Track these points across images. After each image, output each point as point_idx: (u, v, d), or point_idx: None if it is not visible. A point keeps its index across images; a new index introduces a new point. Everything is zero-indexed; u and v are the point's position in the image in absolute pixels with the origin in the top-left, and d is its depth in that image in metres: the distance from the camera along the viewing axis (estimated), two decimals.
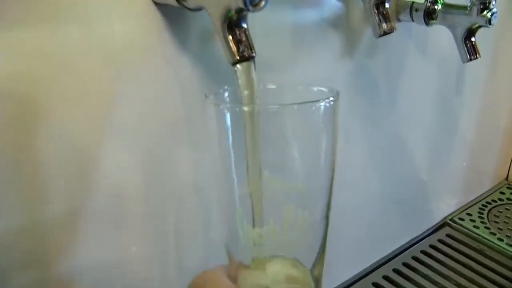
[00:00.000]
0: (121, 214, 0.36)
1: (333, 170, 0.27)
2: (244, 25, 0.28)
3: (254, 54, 0.28)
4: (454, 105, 0.70)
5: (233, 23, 0.28)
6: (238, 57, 0.28)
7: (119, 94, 0.33)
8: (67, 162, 0.31)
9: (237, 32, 0.28)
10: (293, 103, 0.25)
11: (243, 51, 0.28)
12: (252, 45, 0.29)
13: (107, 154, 0.33)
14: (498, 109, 0.82)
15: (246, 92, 0.28)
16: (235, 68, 0.29)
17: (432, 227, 0.77)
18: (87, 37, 0.30)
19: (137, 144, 0.35)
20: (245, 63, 0.28)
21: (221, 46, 0.29)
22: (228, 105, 0.27)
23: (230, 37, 0.28)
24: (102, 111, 0.32)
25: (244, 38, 0.28)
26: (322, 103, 0.25)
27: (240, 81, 0.29)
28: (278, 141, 0.27)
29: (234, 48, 0.28)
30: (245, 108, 0.27)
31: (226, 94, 0.30)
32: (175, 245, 0.40)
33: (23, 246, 0.32)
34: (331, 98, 0.25)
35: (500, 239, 0.73)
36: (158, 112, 0.35)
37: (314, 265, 0.27)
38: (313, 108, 0.25)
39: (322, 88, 0.28)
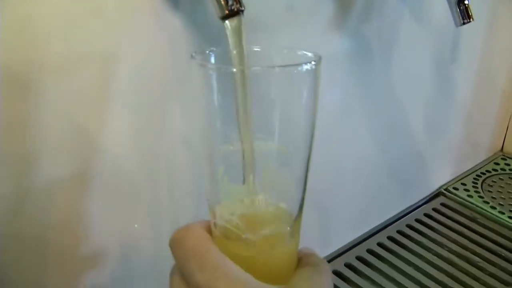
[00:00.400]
0: (114, 174, 0.36)
1: (312, 133, 0.27)
2: None
3: (243, 8, 0.29)
4: (450, 73, 0.70)
5: None
6: (227, 11, 0.28)
7: (111, 53, 0.33)
8: (61, 127, 0.32)
9: None
10: (275, 66, 0.25)
11: (231, 5, 0.28)
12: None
13: (100, 113, 0.33)
14: (494, 80, 0.82)
15: (235, 52, 0.28)
16: (225, 24, 0.29)
17: (427, 196, 0.78)
18: None
19: (128, 103, 0.35)
20: (235, 18, 0.28)
21: (211, 2, 0.29)
22: (213, 66, 0.27)
23: None
24: (93, 71, 0.32)
25: None
26: (304, 67, 0.25)
27: (229, 37, 0.29)
28: (260, 103, 0.27)
29: (222, 2, 0.28)
30: (232, 69, 0.27)
31: (213, 55, 0.29)
32: (169, 204, 0.41)
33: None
34: (313, 62, 0.25)
35: (493, 207, 0.74)
36: (149, 70, 0.35)
37: (292, 223, 0.28)
38: (295, 71, 0.25)
39: (307, 53, 0.28)
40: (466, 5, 0.47)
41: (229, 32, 0.28)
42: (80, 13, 0.31)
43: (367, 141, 0.63)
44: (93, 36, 0.32)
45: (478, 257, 0.64)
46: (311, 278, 0.26)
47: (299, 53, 0.28)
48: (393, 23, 0.56)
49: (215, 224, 0.27)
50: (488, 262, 0.63)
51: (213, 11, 0.30)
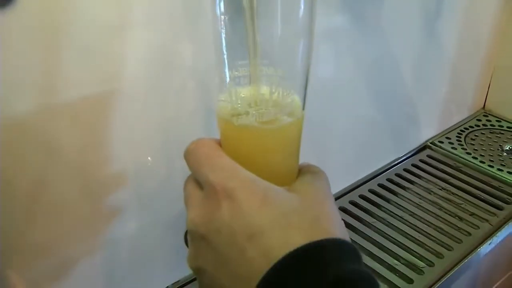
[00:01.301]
0: (128, 101, 0.40)
1: (310, 57, 0.31)
2: None
3: None
4: (435, 32, 0.74)
5: None
6: None
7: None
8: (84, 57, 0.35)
9: None
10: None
11: None
12: None
13: (117, 44, 0.37)
14: (477, 40, 0.86)
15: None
16: None
17: (414, 149, 0.83)
18: None
19: (142, 34, 0.38)
20: None
21: None
22: None
23: None
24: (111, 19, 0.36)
25: None
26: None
27: None
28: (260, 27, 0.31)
29: None
30: None
31: None
32: (176, 130, 0.45)
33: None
34: None
35: (475, 158, 0.80)
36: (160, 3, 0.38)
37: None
38: None
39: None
40: None
41: None
42: None
43: (359, 99, 0.67)
44: None
45: (461, 200, 0.70)
46: (312, 182, 0.30)
47: None
48: None
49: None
50: (469, 204, 0.69)
51: None
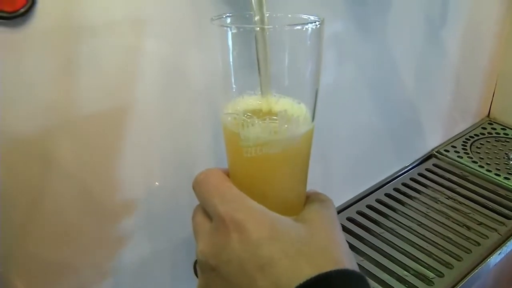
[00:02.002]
0: (139, 130, 0.40)
1: (318, 83, 0.31)
2: None
3: None
4: (439, 40, 0.74)
5: None
6: None
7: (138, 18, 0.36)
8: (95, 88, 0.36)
9: None
10: (285, 25, 0.29)
11: None
12: None
13: (130, 71, 0.37)
14: (481, 48, 0.86)
15: (257, 18, 0.31)
16: None
17: (420, 158, 0.83)
18: None
19: (153, 49, 0.38)
20: None
21: None
22: (230, 26, 0.30)
23: None
24: (125, 33, 0.36)
25: None
26: (310, 26, 0.29)
27: None
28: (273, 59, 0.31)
29: None
30: (246, 28, 0.30)
31: (229, 19, 0.33)
32: (185, 146, 0.45)
33: None
34: (317, 22, 0.29)
35: (481, 166, 0.80)
36: (171, 21, 0.39)
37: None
38: (303, 29, 0.29)
39: (311, 16, 0.32)
40: None
41: None
42: None
43: (364, 108, 0.67)
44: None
45: (468, 209, 0.70)
46: (320, 211, 0.30)
47: (304, 17, 0.32)
48: None
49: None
50: (477, 213, 0.69)
51: None
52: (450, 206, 0.71)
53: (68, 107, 0.35)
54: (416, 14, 0.67)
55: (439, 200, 0.72)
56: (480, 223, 0.67)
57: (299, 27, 0.28)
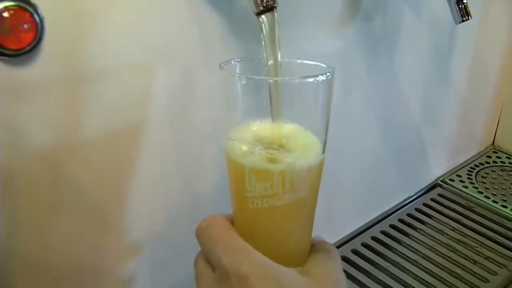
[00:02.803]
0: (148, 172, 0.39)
1: (327, 129, 0.31)
2: None
3: (276, 5, 0.32)
4: (446, 69, 0.74)
5: None
6: (262, 7, 0.31)
7: (146, 42, 0.35)
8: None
9: None
10: (295, 77, 0.29)
11: (266, 1, 0.31)
12: None
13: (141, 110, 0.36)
14: (485, 77, 0.86)
15: (271, 62, 0.31)
16: (260, 19, 0.32)
17: (425, 187, 0.81)
18: None
19: (159, 84, 0.38)
20: (269, 14, 0.32)
21: None
22: (240, 76, 0.29)
23: None
24: (126, 48, 0.35)
25: None
26: (321, 77, 0.28)
27: (263, 31, 0.32)
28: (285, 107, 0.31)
29: None
30: (256, 78, 0.29)
31: (238, 64, 0.32)
32: (192, 196, 0.44)
33: None
34: (329, 74, 0.29)
35: (487, 197, 0.78)
36: (178, 54, 0.38)
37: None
38: (314, 81, 0.29)
39: (321, 64, 0.32)
40: (465, 4, 0.51)
41: (264, 26, 0.32)
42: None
43: (368, 135, 0.66)
44: (124, 20, 0.34)
45: (475, 242, 0.68)
46: (325, 262, 0.30)
47: (314, 64, 0.32)
48: (394, 20, 0.59)
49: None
50: (484, 247, 0.67)
51: (248, 7, 0.33)
52: (456, 239, 0.69)
53: (73, 146, 0.34)
54: (423, 43, 0.67)
55: (444, 232, 0.71)
56: (488, 257, 0.65)
57: (310, 80, 0.28)
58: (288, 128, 0.31)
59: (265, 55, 0.31)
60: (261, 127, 0.31)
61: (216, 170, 0.44)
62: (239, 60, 0.32)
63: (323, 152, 0.30)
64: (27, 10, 0.27)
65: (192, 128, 0.41)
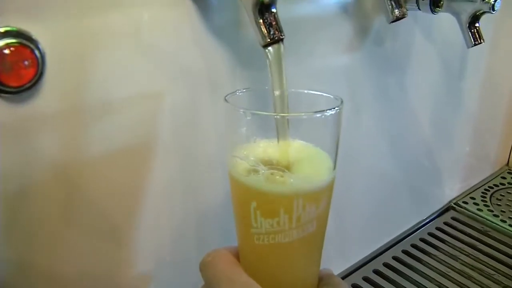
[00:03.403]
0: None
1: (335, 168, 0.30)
2: (274, 9, 0.31)
3: (283, 36, 0.31)
4: (457, 90, 0.73)
5: (263, 7, 0.30)
6: (269, 40, 0.30)
7: (149, 80, 0.35)
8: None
9: (267, 16, 0.31)
10: (303, 113, 0.28)
11: (273, 34, 0.30)
12: (281, 27, 0.31)
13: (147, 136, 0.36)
14: (498, 97, 0.84)
15: (277, 93, 0.30)
16: (266, 50, 0.31)
17: (438, 210, 0.79)
18: (121, 21, 0.32)
19: (164, 114, 0.37)
20: (275, 45, 0.31)
21: (253, 30, 0.31)
22: (244, 111, 0.28)
23: (261, 20, 0.30)
24: (134, 95, 0.34)
25: (274, 22, 0.31)
26: (330, 112, 0.28)
27: (271, 62, 0.31)
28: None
29: (265, 31, 0.30)
30: (262, 113, 0.28)
31: (244, 96, 0.32)
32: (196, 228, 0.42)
33: None
34: (337, 108, 0.28)
35: (503, 221, 0.76)
36: (185, 89, 0.37)
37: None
38: (322, 116, 0.28)
39: (329, 95, 0.31)
40: (477, 28, 0.50)
41: (270, 57, 0.31)
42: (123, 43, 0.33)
43: (378, 158, 0.65)
44: (134, 59, 0.34)
45: (492, 269, 0.66)
46: None
47: (323, 95, 0.31)
48: (405, 43, 0.59)
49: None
50: (502, 275, 0.65)
51: (252, 38, 0.32)
52: (471, 265, 0.67)
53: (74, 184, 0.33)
54: (434, 65, 0.65)
55: (459, 258, 0.68)
56: (506, 286, 0.63)
57: (318, 115, 0.27)
58: (296, 147, 0.30)
59: (271, 87, 0.30)
60: (269, 145, 0.30)
61: (221, 195, 0.43)
62: (244, 90, 0.31)
63: (333, 175, 0.29)
64: (28, 47, 0.26)
65: (198, 156, 0.40)
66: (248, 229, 0.28)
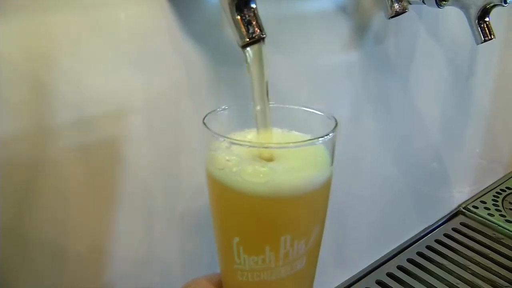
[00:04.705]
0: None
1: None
2: (253, 5, 0.27)
3: (264, 35, 0.27)
4: (467, 90, 0.69)
5: (241, 2, 0.27)
6: (247, 39, 0.27)
7: (127, 79, 0.32)
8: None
9: (246, 12, 0.27)
10: (291, 143, 0.24)
11: (252, 33, 0.27)
12: (262, 25, 0.27)
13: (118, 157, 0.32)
14: (510, 96, 0.80)
15: (258, 108, 0.27)
16: (245, 51, 0.27)
17: (446, 215, 0.75)
18: (95, 22, 0.29)
19: (144, 129, 0.34)
20: (255, 46, 0.27)
21: (230, 28, 0.28)
22: (224, 139, 0.25)
23: (239, 17, 0.27)
24: (108, 95, 0.31)
25: (253, 19, 0.27)
26: (321, 140, 0.24)
27: (250, 66, 0.27)
28: None
29: (243, 29, 0.27)
30: (244, 144, 0.25)
31: (224, 113, 0.28)
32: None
33: None
34: (331, 135, 0.24)
35: None
36: (165, 97, 0.34)
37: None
38: (314, 146, 0.25)
39: (320, 113, 0.27)
40: (487, 23, 0.46)
41: (249, 60, 0.27)
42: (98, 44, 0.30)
43: (383, 160, 0.61)
44: (108, 62, 0.31)
45: (505, 281, 0.62)
46: None
47: (317, 113, 0.27)
48: (409, 40, 0.55)
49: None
50: None
51: (232, 37, 0.28)
52: (482, 276, 0.63)
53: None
54: (441, 63, 0.62)
55: (469, 268, 0.64)
56: None
57: (306, 145, 0.23)
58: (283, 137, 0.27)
59: (252, 95, 0.27)
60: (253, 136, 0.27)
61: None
62: (226, 108, 0.28)
63: (328, 174, 0.26)
64: None
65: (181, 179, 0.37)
66: (231, 264, 0.25)
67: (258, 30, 0.27)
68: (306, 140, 0.24)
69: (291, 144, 0.24)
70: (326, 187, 0.25)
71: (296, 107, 0.28)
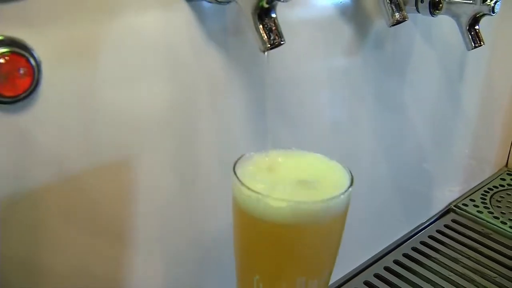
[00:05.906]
0: None
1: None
2: (274, 15, 0.30)
3: (283, 42, 0.30)
4: (456, 93, 0.72)
5: (263, 12, 0.30)
6: (269, 45, 0.30)
7: (148, 87, 0.34)
8: None
9: (267, 21, 0.30)
10: (309, 202, 0.29)
11: (273, 39, 0.30)
12: (281, 33, 0.30)
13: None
14: (497, 98, 0.84)
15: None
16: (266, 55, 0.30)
17: (437, 213, 0.79)
18: (118, 30, 0.31)
19: (164, 141, 0.36)
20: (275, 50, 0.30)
21: (252, 36, 0.31)
22: (251, 193, 0.28)
23: (261, 26, 0.30)
24: (131, 103, 0.34)
25: (274, 27, 0.30)
26: (342, 197, 0.28)
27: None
28: None
29: (265, 36, 0.30)
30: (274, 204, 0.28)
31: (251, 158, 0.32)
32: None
33: None
34: (348, 190, 0.29)
35: (504, 223, 0.76)
36: (185, 104, 0.37)
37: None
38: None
39: (338, 164, 0.31)
40: (477, 30, 0.49)
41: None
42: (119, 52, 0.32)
43: (376, 160, 0.64)
44: (130, 69, 0.33)
45: (494, 272, 0.65)
46: None
47: (330, 163, 0.32)
48: (405, 46, 0.58)
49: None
50: (505, 278, 0.64)
51: (252, 44, 0.31)
52: (473, 268, 0.66)
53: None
54: (433, 68, 0.65)
55: (460, 261, 0.68)
56: None
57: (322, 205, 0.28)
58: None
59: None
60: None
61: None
62: (252, 154, 0.32)
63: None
64: (23, 55, 0.26)
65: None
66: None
67: (278, 37, 0.30)
68: (330, 199, 0.29)
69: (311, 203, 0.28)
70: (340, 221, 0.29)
71: (320, 156, 0.33)
